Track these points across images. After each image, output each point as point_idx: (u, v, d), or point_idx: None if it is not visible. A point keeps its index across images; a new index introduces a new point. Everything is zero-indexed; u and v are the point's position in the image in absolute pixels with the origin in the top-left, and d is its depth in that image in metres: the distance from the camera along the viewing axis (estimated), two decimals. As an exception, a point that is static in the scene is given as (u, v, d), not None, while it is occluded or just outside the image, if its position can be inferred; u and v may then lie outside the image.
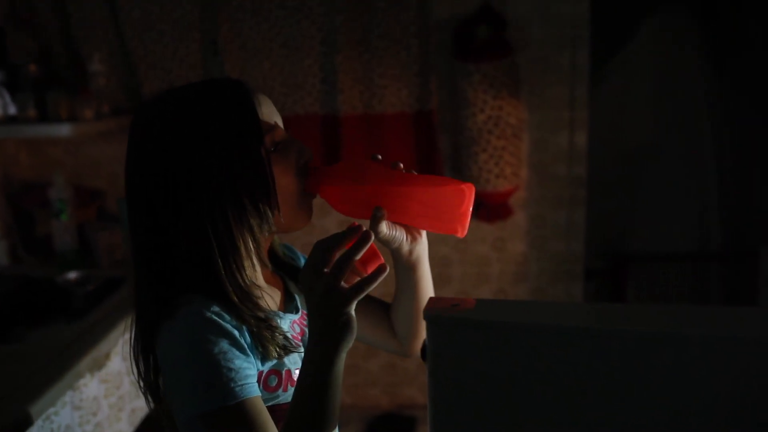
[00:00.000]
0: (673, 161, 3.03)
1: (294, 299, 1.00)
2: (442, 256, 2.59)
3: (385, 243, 0.91)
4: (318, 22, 2.33)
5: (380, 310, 1.10)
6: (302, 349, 0.92)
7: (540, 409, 0.68)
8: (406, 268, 1.00)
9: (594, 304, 0.80)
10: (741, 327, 0.65)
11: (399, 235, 0.90)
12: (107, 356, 1.68)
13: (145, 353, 0.89)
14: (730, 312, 0.68)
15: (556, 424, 0.67)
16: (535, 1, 2.37)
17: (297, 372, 0.90)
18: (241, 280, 0.87)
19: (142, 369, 0.90)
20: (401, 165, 0.90)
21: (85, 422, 1.56)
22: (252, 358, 0.84)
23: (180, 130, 0.85)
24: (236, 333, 0.83)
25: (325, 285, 0.78)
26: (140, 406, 1.83)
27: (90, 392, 1.59)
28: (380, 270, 0.80)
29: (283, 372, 0.89)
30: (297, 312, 0.98)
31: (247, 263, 0.88)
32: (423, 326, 1.05)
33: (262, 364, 0.87)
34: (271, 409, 0.87)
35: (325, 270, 0.78)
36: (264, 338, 0.86)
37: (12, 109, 2.12)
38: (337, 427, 0.84)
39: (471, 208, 0.85)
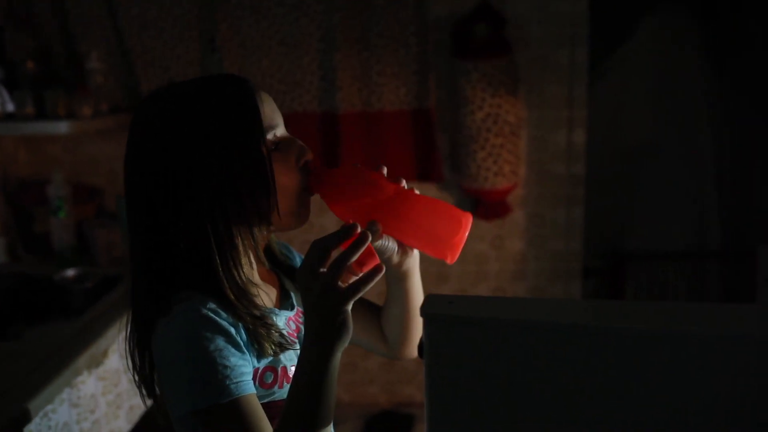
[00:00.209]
0: (671, 160, 3.03)
1: (289, 296, 1.00)
2: (440, 255, 2.59)
3: (377, 252, 0.91)
4: (317, 19, 2.33)
5: (371, 313, 1.11)
6: (298, 346, 0.92)
7: (537, 407, 0.68)
8: (396, 278, 1.01)
9: (592, 302, 0.80)
10: (739, 325, 0.65)
11: (391, 246, 0.91)
12: (105, 354, 1.68)
13: (140, 346, 0.89)
14: (729, 310, 0.68)
15: (554, 422, 0.67)
16: (534, -1, 2.37)
17: (293, 369, 0.91)
18: (238, 278, 0.87)
19: (137, 361, 0.90)
20: (404, 181, 0.90)
21: (83, 419, 1.56)
22: (248, 356, 0.85)
23: (181, 127, 0.85)
24: (232, 330, 0.83)
25: (321, 285, 0.78)
26: (138, 403, 1.83)
27: (88, 389, 1.59)
28: (376, 270, 0.80)
29: (279, 369, 0.89)
30: (292, 309, 0.98)
31: (244, 261, 0.88)
32: (412, 333, 1.06)
33: (258, 361, 0.87)
34: (267, 406, 0.87)
35: (322, 270, 0.78)
36: (260, 335, 0.86)
37: (10, 107, 2.12)
38: (332, 424, 0.84)
39: (465, 238, 0.86)
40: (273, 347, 0.87)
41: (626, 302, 0.83)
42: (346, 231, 0.80)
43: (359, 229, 0.80)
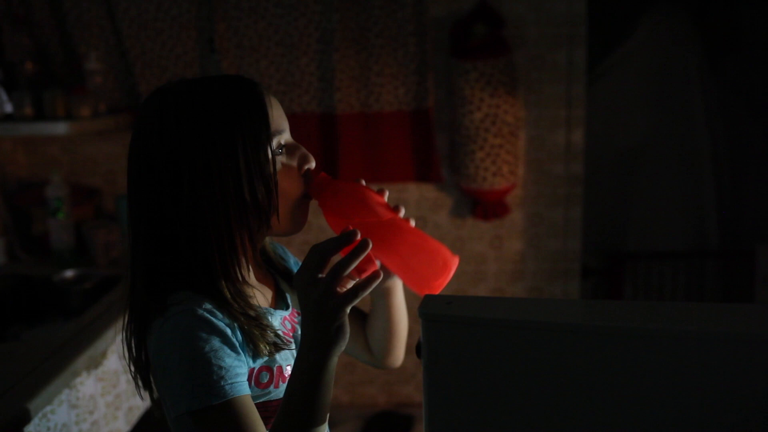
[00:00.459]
0: (669, 159, 3.03)
1: (284, 296, 1.01)
2: (439, 255, 2.59)
3: None
4: (315, 20, 2.33)
5: (359, 321, 1.12)
6: (293, 346, 0.93)
7: (536, 407, 0.68)
8: (379, 294, 1.03)
9: (590, 301, 0.80)
10: (738, 324, 0.65)
11: (377, 261, 0.92)
12: (104, 354, 1.68)
13: (137, 337, 0.90)
14: (727, 309, 0.68)
15: (552, 421, 0.67)
16: (531, -1, 2.37)
17: (288, 368, 0.91)
18: (235, 278, 0.87)
19: (134, 351, 0.90)
20: (402, 210, 0.91)
21: (82, 420, 1.56)
22: (243, 356, 0.85)
23: (188, 124, 0.85)
24: (228, 331, 0.83)
25: (320, 290, 0.78)
26: (137, 404, 1.83)
27: (87, 390, 1.59)
28: (374, 276, 0.80)
29: (275, 369, 0.90)
30: (287, 308, 0.98)
31: (242, 261, 0.89)
32: (395, 345, 1.08)
33: (254, 361, 0.87)
34: (263, 406, 0.87)
35: (321, 275, 0.79)
36: (255, 336, 0.86)
37: (8, 108, 2.12)
38: (326, 423, 0.84)
39: (448, 281, 0.87)
40: (268, 348, 0.87)
41: (625, 302, 0.83)
42: (346, 237, 0.80)
43: (359, 236, 0.80)
